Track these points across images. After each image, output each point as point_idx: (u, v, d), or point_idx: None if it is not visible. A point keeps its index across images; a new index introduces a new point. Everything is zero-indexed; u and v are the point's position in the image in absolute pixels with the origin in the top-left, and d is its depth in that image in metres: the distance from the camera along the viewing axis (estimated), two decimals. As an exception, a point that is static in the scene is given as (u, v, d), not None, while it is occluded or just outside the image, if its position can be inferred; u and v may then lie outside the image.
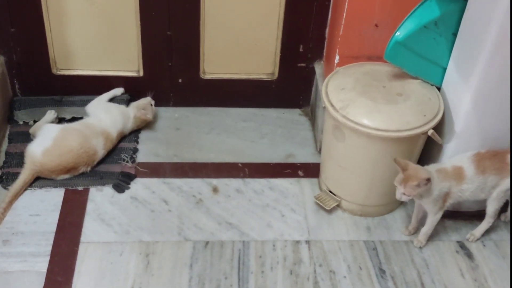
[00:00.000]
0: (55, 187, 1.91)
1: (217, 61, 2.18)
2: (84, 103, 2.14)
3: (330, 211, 1.90)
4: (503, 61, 1.59)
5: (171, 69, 2.17)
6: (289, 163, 2.08)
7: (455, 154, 1.79)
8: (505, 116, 1.71)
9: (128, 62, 2.17)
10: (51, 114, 2.08)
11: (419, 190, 1.63)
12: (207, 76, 2.22)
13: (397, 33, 1.73)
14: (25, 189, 1.89)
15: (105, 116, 2.03)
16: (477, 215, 1.86)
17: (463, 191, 1.70)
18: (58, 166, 1.89)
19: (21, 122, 2.11)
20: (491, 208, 1.78)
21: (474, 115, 1.72)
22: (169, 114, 2.25)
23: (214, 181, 1.99)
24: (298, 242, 1.81)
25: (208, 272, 1.70)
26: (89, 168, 1.94)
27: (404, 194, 1.63)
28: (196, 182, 1.98)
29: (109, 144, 2.00)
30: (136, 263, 1.71)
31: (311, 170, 2.05)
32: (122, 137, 2.09)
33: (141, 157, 2.05)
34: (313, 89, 2.25)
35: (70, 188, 1.91)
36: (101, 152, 1.97)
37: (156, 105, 2.18)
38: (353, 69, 1.87)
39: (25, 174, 1.87)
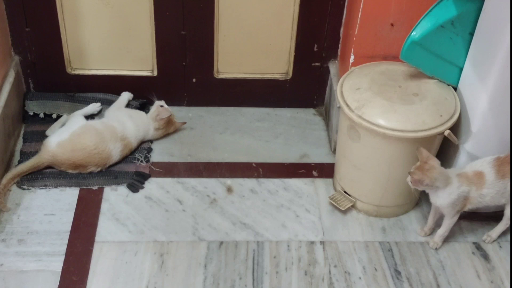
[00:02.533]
0: (70, 186, 1.91)
1: (231, 60, 2.18)
2: (96, 100, 2.14)
3: (344, 212, 1.89)
4: (521, 60, 1.58)
5: (185, 68, 2.17)
6: (304, 163, 2.07)
7: (472, 154, 1.77)
8: (523, 116, 1.69)
9: (142, 62, 2.17)
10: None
11: (421, 186, 1.64)
12: (221, 76, 2.21)
13: (413, 33, 1.71)
14: (32, 173, 1.91)
15: (129, 122, 2.03)
16: (494, 216, 1.84)
17: (483, 196, 1.68)
18: (67, 160, 1.90)
19: (31, 113, 2.12)
20: (510, 210, 1.76)
21: (490, 115, 1.70)
22: (183, 114, 2.25)
23: (228, 181, 1.99)
24: (312, 242, 1.80)
25: (223, 272, 1.70)
26: (99, 169, 1.95)
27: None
28: (210, 182, 1.98)
29: (127, 151, 2.00)
30: (150, 263, 1.71)
31: (326, 170, 2.04)
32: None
33: (155, 157, 2.05)
34: (328, 88, 2.24)
35: (84, 187, 1.91)
36: (116, 158, 1.97)
37: (170, 104, 2.17)
38: (368, 68, 1.86)
39: (36, 159, 1.90)
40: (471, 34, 1.74)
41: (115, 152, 1.96)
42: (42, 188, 1.90)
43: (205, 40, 2.11)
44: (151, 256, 1.73)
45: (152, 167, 2.01)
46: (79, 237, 1.77)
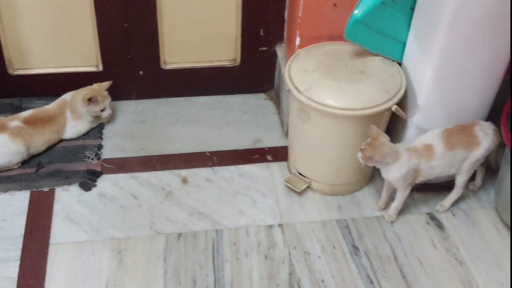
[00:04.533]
0: (20, 190, 1.87)
1: (178, 50, 2.16)
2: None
3: (301, 193, 1.91)
4: (461, 32, 1.61)
5: (131, 61, 2.14)
6: (257, 148, 2.07)
7: (420, 127, 1.81)
8: (467, 87, 1.73)
9: (86, 57, 2.12)
10: None
11: (372, 162, 1.67)
12: (169, 66, 2.19)
13: (356, 11, 1.73)
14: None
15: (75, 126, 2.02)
16: (445, 186, 1.89)
17: (434, 168, 1.72)
18: None
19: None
20: (461, 179, 1.80)
21: (436, 88, 1.73)
22: (132, 108, 2.21)
23: (183, 172, 1.97)
24: (271, 226, 1.81)
25: (183, 263, 1.69)
26: None
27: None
28: (165, 174, 1.96)
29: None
30: (109, 260, 1.69)
31: (280, 154, 2.05)
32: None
33: (106, 153, 2.02)
34: (276, 72, 2.24)
35: (35, 190, 1.87)
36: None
37: (118, 99, 2.14)
38: (314, 50, 1.87)
39: None
40: (412, 9, 1.76)
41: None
42: (-10, 194, 1.85)
43: (149, 31, 2.07)
44: (108, 254, 1.70)
45: (104, 164, 1.98)
46: (33, 241, 1.73)
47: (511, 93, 1.66)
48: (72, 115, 2.02)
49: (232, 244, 1.75)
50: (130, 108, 2.21)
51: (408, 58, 1.81)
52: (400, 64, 1.85)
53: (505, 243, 1.79)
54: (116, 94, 2.13)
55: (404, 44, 1.82)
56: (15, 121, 1.92)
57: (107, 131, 2.11)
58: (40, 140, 1.95)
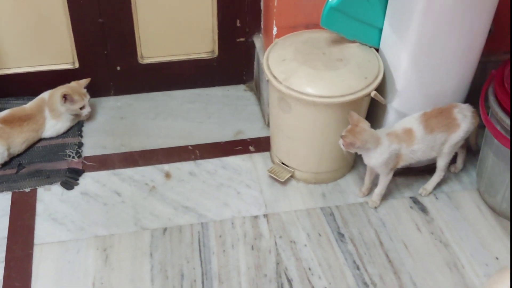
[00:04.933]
0: (1, 191, 1.84)
1: (154, 44, 2.14)
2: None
3: (284, 183, 1.91)
4: (436, 16, 1.61)
5: (108, 57, 2.12)
6: (239, 140, 2.07)
7: (399, 112, 1.82)
8: (444, 70, 1.74)
9: (62, 55, 2.10)
10: None
11: (353, 148, 1.67)
12: (146, 61, 2.17)
13: (331, -1, 1.73)
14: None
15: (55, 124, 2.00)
16: (427, 170, 1.90)
17: (415, 152, 1.73)
18: None
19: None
20: (442, 162, 1.82)
21: (413, 73, 1.74)
22: (111, 104, 2.19)
23: (166, 167, 1.96)
24: (256, 217, 1.81)
25: (169, 258, 1.69)
26: None
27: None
28: (147, 169, 1.95)
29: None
30: (94, 258, 1.68)
31: (262, 145, 2.05)
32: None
33: (87, 151, 2.00)
34: (255, 63, 2.23)
35: (17, 190, 1.85)
36: None
37: (96, 95, 2.12)
38: (291, 39, 1.86)
39: None
40: (387, -6, 1.77)
41: None
42: (-29, 197, 1.83)
43: (124, 25, 2.05)
44: (94, 252, 1.69)
45: (85, 161, 1.96)
46: (17, 242, 1.71)
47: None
48: (51, 114, 2.00)
49: (218, 237, 1.75)
50: (109, 105, 2.19)
51: (385, 43, 1.82)
52: (377, 50, 1.85)
53: (488, 223, 1.81)
54: (94, 90, 2.11)
55: (380, 30, 1.83)
56: None
57: (87, 128, 2.09)
58: (19, 139, 1.92)
